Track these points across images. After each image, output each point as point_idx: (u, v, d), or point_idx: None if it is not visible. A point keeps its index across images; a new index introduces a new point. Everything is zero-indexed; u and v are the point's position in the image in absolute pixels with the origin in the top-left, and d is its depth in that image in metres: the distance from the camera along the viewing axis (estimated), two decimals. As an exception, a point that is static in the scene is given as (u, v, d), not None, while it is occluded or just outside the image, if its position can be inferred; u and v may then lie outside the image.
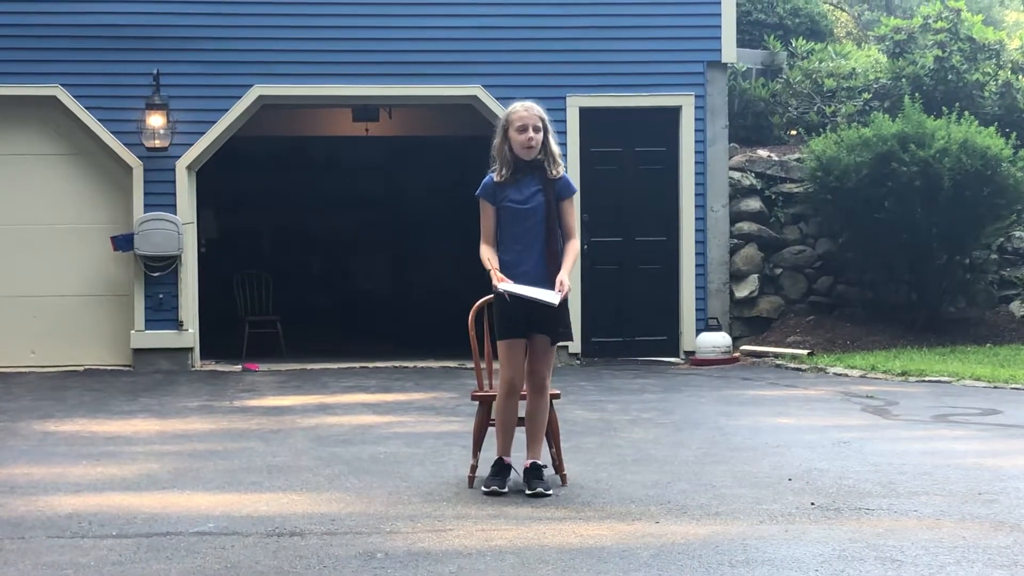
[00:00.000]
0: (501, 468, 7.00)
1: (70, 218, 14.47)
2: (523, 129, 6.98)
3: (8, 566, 5.54)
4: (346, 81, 14.64)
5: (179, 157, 14.34)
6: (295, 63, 14.54)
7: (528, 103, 7.12)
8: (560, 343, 7.22)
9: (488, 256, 7.01)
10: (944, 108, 15.32)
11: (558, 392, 7.50)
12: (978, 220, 14.81)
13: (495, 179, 7.06)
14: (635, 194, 14.95)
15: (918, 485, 7.14)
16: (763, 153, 15.91)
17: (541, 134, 7.02)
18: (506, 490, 6.90)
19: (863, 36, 22.63)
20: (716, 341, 14.59)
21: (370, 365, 14.43)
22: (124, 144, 14.29)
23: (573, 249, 7.08)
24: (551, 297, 6.87)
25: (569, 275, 7.03)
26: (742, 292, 15.36)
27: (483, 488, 6.92)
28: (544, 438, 7.18)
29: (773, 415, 10.23)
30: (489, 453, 7.23)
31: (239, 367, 14.36)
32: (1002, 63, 16.84)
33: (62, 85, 14.25)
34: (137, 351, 14.27)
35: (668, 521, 6.30)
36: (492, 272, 6.93)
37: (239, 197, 19.23)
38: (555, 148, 7.12)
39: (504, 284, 6.84)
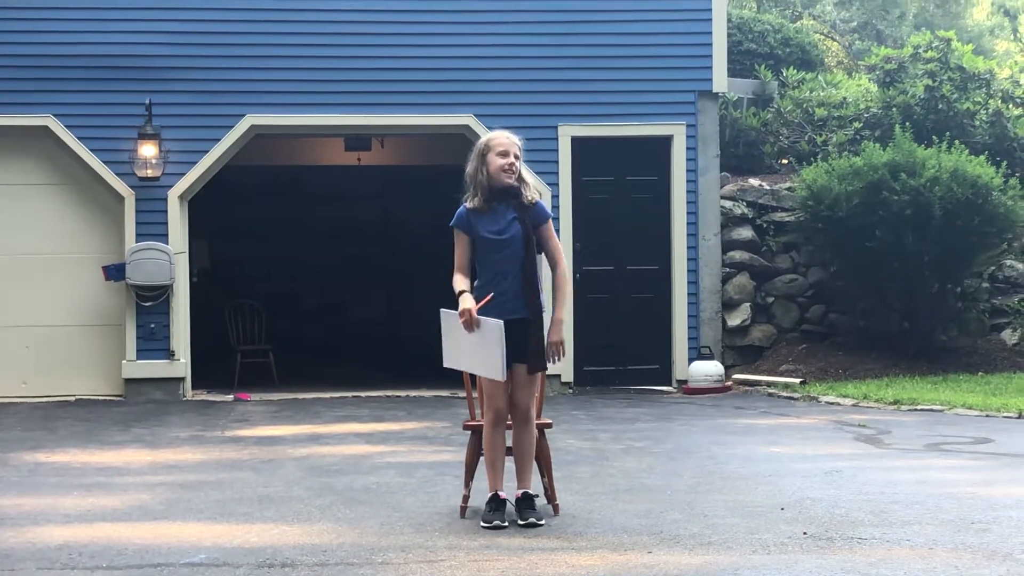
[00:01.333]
0: (498, 503, 6.97)
1: (61, 248, 14.46)
2: (504, 154, 6.99)
3: (-2, 598, 5.52)
4: (338, 110, 14.66)
5: (171, 187, 14.34)
6: (287, 92, 14.56)
7: (505, 131, 7.15)
8: (549, 372, 7.23)
9: (462, 287, 6.95)
10: (935, 137, 15.36)
11: (550, 421, 7.50)
12: (969, 249, 14.83)
13: (468, 207, 7.05)
14: (627, 223, 14.96)
15: (910, 514, 7.13)
16: (754, 182, 15.94)
17: (520, 161, 7.03)
18: (506, 524, 6.88)
19: (854, 65, 22.73)
20: (708, 370, 14.58)
21: (362, 394, 14.41)
22: (116, 174, 14.29)
23: (564, 281, 7.04)
24: (494, 366, 6.81)
25: (565, 314, 7.06)
26: (734, 321, 15.37)
27: (483, 523, 6.89)
28: (534, 467, 7.17)
29: (766, 444, 10.22)
30: (481, 483, 7.21)
31: (231, 397, 14.33)
32: (992, 92, 16.90)
33: (54, 115, 14.26)
34: (128, 381, 14.23)
35: (661, 551, 6.28)
36: (465, 309, 6.84)
37: (231, 227, 19.22)
38: (529, 176, 7.14)
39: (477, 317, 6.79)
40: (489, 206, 7.02)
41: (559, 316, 7.05)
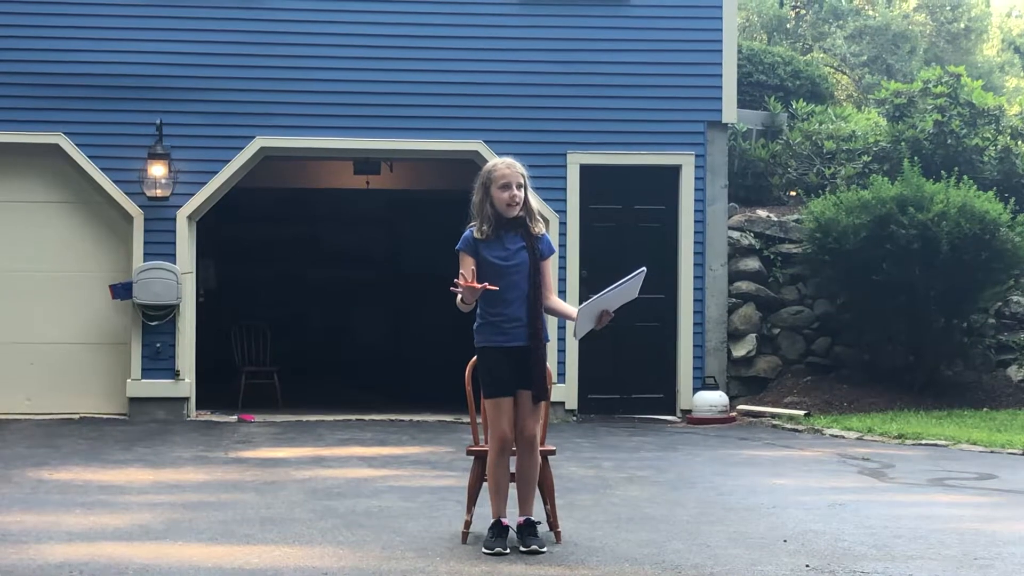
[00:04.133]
0: (500, 529, 6.95)
1: (69, 266, 14.48)
2: (506, 187, 6.93)
3: (-2, 614, 5.51)
4: (348, 134, 14.70)
5: (180, 207, 14.38)
6: (298, 115, 14.61)
7: (509, 159, 7.05)
8: (554, 399, 7.22)
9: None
10: (943, 172, 15.37)
11: (553, 448, 7.49)
12: (976, 284, 14.82)
13: (476, 235, 7.00)
14: (634, 251, 14.95)
15: (913, 549, 7.11)
16: (762, 213, 15.96)
17: (523, 191, 6.99)
18: (508, 550, 6.86)
19: (863, 99, 22.76)
20: (713, 400, 14.56)
21: (366, 418, 14.40)
22: (125, 193, 14.33)
23: (562, 301, 7.14)
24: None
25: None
26: (739, 351, 15.36)
27: (485, 549, 6.87)
28: (537, 494, 7.16)
29: (769, 476, 10.20)
30: (484, 509, 7.20)
31: (235, 418, 14.32)
32: (1001, 128, 16.91)
33: (65, 133, 14.31)
34: (133, 400, 14.24)
35: (662, 581, 6.27)
36: (465, 287, 6.77)
37: (239, 248, 19.26)
38: (535, 204, 7.09)
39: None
40: (497, 234, 7.00)
41: (572, 311, 7.06)
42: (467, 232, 7.03)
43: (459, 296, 6.81)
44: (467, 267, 6.94)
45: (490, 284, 6.86)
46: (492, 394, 6.97)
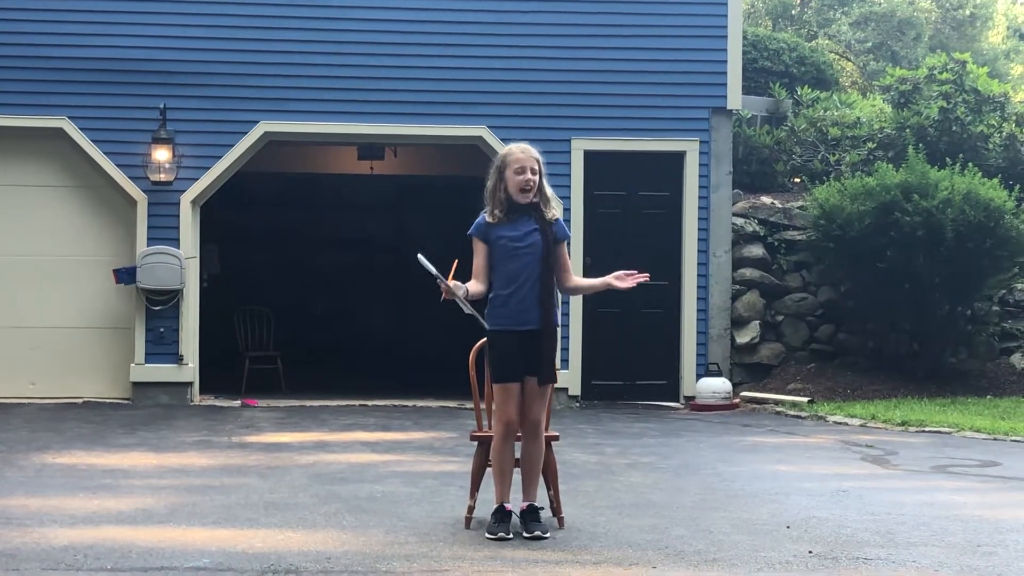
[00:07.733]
0: (503, 515, 6.96)
1: (73, 250, 14.49)
2: (521, 171, 6.95)
3: (1, 597, 5.52)
4: (352, 119, 14.69)
5: (184, 191, 14.37)
6: (302, 100, 14.60)
7: (524, 145, 7.09)
8: (557, 385, 7.22)
9: (463, 285, 6.94)
10: (948, 159, 15.34)
11: (557, 434, 7.49)
12: (980, 272, 14.80)
13: (488, 219, 7.03)
14: (638, 238, 14.96)
15: (917, 535, 7.12)
16: (767, 200, 15.94)
17: (538, 176, 7.00)
18: (511, 536, 6.87)
19: (868, 86, 22.73)
20: (716, 387, 14.56)
21: (369, 403, 14.41)
22: (129, 177, 14.32)
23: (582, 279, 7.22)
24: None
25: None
26: (743, 338, 15.35)
27: (488, 535, 6.88)
28: (540, 479, 7.16)
29: (772, 462, 10.20)
30: (487, 494, 7.21)
31: (238, 403, 14.34)
32: (1007, 115, 16.88)
33: (69, 117, 14.30)
34: (136, 384, 14.25)
35: (665, 567, 6.27)
36: (443, 283, 6.88)
37: (243, 233, 19.25)
38: (549, 191, 7.10)
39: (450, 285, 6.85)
40: (509, 219, 7.00)
41: (601, 281, 7.16)
42: (480, 218, 7.06)
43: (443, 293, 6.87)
44: (479, 252, 7.00)
45: (502, 266, 6.92)
46: (500, 379, 6.98)
